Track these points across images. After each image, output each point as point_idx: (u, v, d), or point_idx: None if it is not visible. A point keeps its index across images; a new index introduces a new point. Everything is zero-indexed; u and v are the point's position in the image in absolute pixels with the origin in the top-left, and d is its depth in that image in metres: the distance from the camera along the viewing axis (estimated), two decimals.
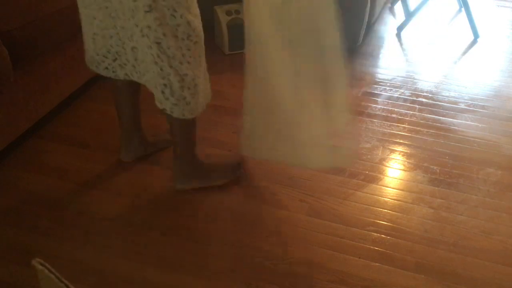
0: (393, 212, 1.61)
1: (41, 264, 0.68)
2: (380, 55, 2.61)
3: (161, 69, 1.29)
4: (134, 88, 1.57)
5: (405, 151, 1.89)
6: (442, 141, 1.95)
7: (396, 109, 2.14)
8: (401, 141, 1.95)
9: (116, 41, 1.36)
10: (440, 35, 2.85)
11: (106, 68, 1.45)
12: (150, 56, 1.28)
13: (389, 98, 2.23)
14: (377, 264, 1.43)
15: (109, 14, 1.29)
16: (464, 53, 2.66)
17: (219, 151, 1.86)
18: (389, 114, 2.11)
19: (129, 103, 1.62)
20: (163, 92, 1.34)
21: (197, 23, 1.29)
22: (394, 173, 1.78)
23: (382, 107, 2.16)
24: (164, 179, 1.70)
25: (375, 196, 1.67)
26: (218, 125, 1.98)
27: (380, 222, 1.57)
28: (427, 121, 2.07)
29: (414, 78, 2.40)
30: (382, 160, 1.84)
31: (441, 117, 2.10)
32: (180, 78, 1.31)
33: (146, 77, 1.38)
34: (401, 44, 2.75)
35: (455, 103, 2.21)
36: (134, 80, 1.44)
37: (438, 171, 1.79)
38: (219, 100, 2.13)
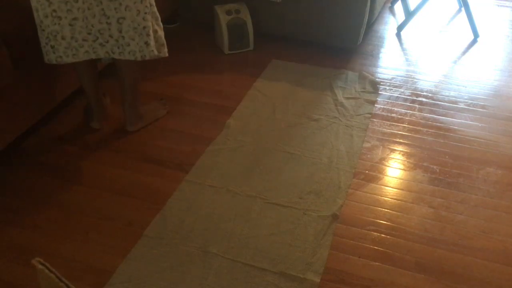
0: (393, 212, 1.61)
1: (41, 264, 0.68)
2: (380, 55, 2.61)
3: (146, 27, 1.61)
4: (94, 66, 1.80)
5: (405, 150, 1.89)
6: (442, 141, 1.95)
7: (396, 109, 2.14)
8: (401, 140, 1.95)
9: (100, 18, 1.55)
10: (440, 35, 2.85)
11: (87, 51, 1.63)
12: (138, 20, 1.58)
13: (389, 97, 2.23)
14: (377, 263, 1.43)
15: None
16: (464, 52, 2.66)
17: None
18: (389, 114, 2.11)
19: (94, 78, 1.82)
20: (146, 43, 1.63)
21: None
22: (394, 173, 1.78)
23: (382, 106, 2.16)
24: (165, 179, 1.70)
25: (375, 196, 1.67)
26: (217, 123, 1.98)
27: (380, 221, 1.57)
28: (427, 121, 2.07)
29: (414, 78, 2.40)
30: (382, 160, 1.84)
31: (441, 117, 2.11)
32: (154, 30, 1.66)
33: (130, 47, 1.62)
34: (401, 44, 2.75)
35: (455, 102, 2.21)
36: (114, 57, 1.67)
37: (438, 170, 1.79)
38: (219, 99, 2.13)
